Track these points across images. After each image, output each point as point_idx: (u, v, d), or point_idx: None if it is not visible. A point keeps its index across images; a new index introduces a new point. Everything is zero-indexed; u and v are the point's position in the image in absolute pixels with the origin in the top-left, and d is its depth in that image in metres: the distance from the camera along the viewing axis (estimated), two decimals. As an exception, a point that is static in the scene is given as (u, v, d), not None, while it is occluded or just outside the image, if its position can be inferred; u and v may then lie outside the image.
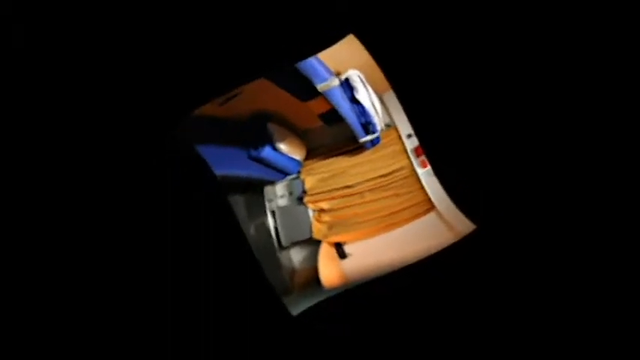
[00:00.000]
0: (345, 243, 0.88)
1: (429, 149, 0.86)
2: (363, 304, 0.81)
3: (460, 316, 0.79)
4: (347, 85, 0.90)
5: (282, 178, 0.94)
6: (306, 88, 0.89)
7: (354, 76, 0.90)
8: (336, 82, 0.90)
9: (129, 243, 0.82)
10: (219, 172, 0.86)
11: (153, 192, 0.82)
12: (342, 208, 0.91)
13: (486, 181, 0.81)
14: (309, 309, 0.81)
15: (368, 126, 0.91)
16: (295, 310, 0.81)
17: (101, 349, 0.79)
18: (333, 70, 0.90)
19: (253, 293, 0.81)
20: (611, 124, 0.81)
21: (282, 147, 0.93)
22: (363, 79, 0.90)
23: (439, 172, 0.85)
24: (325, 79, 0.89)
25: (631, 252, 0.78)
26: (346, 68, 0.90)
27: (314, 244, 0.89)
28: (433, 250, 0.80)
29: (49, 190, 0.82)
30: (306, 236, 0.90)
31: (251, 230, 0.88)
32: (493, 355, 0.78)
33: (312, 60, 0.87)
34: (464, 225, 0.81)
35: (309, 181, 0.93)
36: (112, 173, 0.83)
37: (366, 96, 0.90)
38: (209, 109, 0.87)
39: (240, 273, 0.82)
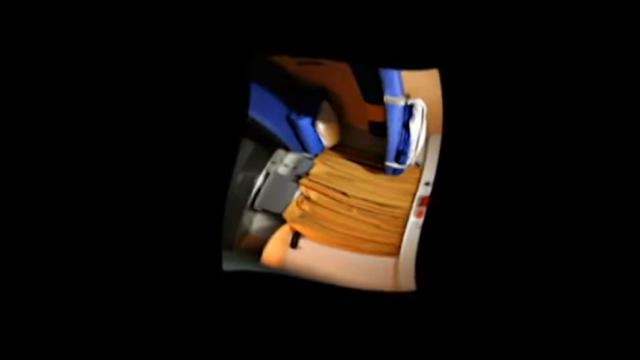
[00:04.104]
0: (303, 236, 0.86)
1: (434, 206, 0.82)
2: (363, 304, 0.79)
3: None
4: (408, 110, 0.88)
5: (299, 151, 0.93)
6: (375, 92, 0.88)
7: (419, 106, 0.88)
8: (402, 101, 0.88)
9: (128, 242, 0.81)
10: (254, 113, 0.86)
11: (155, 190, 0.82)
12: (325, 207, 0.89)
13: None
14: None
15: (401, 155, 0.89)
16: (226, 267, 0.81)
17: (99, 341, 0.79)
18: (406, 90, 0.87)
19: (251, 291, 0.81)
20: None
21: (320, 126, 0.92)
22: (425, 113, 0.87)
23: (427, 230, 0.81)
24: (395, 94, 0.87)
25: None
26: (417, 95, 0.88)
27: (279, 220, 0.88)
28: (364, 287, 0.79)
29: (49, 190, 0.82)
30: (278, 211, 0.89)
31: (238, 178, 0.87)
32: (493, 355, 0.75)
33: (395, 72, 0.85)
34: (407, 283, 0.78)
35: (318, 168, 0.92)
36: (113, 173, 0.82)
37: (417, 128, 0.87)
38: (286, 60, 0.88)
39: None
